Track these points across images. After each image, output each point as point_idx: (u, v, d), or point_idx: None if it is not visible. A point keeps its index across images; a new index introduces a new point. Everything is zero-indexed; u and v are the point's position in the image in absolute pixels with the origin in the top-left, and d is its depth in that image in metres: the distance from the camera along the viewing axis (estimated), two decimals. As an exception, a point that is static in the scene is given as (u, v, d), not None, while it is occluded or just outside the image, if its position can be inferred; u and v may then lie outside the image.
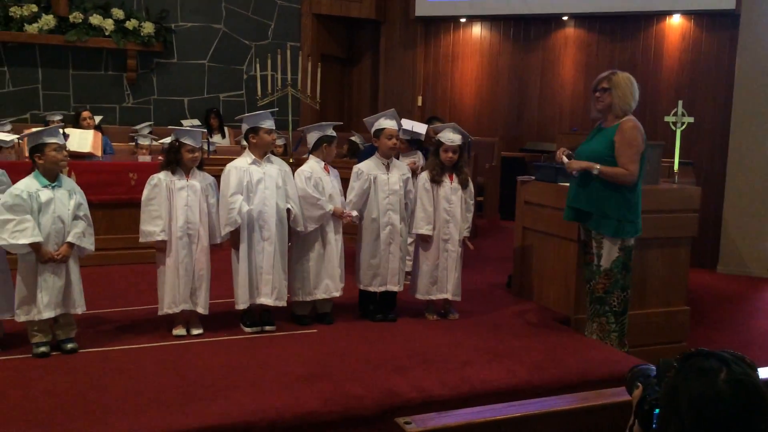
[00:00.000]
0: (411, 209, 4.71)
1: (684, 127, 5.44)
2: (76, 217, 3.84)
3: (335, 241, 4.57)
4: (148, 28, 9.04)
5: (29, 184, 3.76)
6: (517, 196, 5.41)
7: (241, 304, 4.31)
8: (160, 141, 7.52)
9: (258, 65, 7.44)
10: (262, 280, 4.31)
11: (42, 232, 3.72)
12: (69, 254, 3.80)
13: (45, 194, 3.74)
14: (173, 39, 9.43)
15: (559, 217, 4.60)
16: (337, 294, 4.60)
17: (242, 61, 9.86)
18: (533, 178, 5.30)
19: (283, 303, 4.39)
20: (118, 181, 6.10)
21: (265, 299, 4.33)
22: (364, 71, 10.87)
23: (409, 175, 4.73)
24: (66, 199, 3.81)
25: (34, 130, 4.26)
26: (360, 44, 10.90)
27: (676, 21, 8.50)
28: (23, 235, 3.66)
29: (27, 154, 6.00)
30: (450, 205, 4.69)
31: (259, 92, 7.32)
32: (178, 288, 4.15)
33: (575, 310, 4.71)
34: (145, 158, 7.01)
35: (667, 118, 5.47)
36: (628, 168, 3.99)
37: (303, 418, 3.19)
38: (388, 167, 4.65)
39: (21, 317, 3.78)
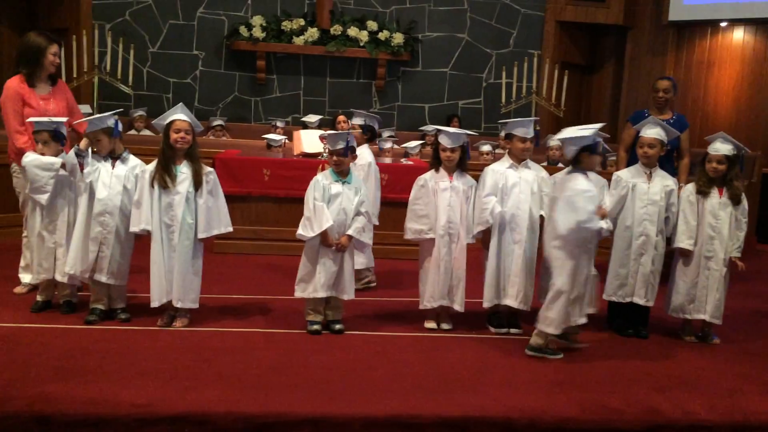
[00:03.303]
0: (672, 222, 4.47)
1: None
2: (358, 213, 4.21)
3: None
4: (398, 38, 9.59)
5: (326, 177, 4.22)
6: (794, 215, 4.87)
7: (487, 303, 4.42)
8: (402, 145, 7.95)
9: (504, 73, 7.54)
10: (509, 282, 4.38)
11: None
12: (347, 245, 4.19)
13: (336, 188, 4.17)
14: (419, 48, 9.90)
15: None
16: None
17: (482, 69, 10.05)
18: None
19: (526, 307, 4.39)
20: (372, 181, 6.53)
21: (510, 301, 4.38)
22: (605, 78, 10.50)
23: (674, 187, 4.49)
24: (352, 195, 4.20)
25: (329, 132, 4.74)
26: (603, 51, 10.55)
27: None
28: None
29: (296, 153, 6.74)
30: (717, 221, 4.37)
31: (504, 99, 7.44)
32: (438, 284, 4.36)
33: None
34: (387, 161, 7.41)
35: None
36: None
37: (561, 422, 3.20)
38: (650, 176, 4.46)
39: (298, 293, 4.25)
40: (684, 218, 4.42)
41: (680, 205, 4.45)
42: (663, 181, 4.47)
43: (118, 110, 4.46)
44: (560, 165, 6.25)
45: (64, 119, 4.48)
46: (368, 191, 4.82)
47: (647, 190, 4.44)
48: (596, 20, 9.88)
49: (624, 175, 4.51)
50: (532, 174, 4.41)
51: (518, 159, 4.42)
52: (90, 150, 4.16)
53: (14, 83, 4.68)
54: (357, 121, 5.23)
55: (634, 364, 3.97)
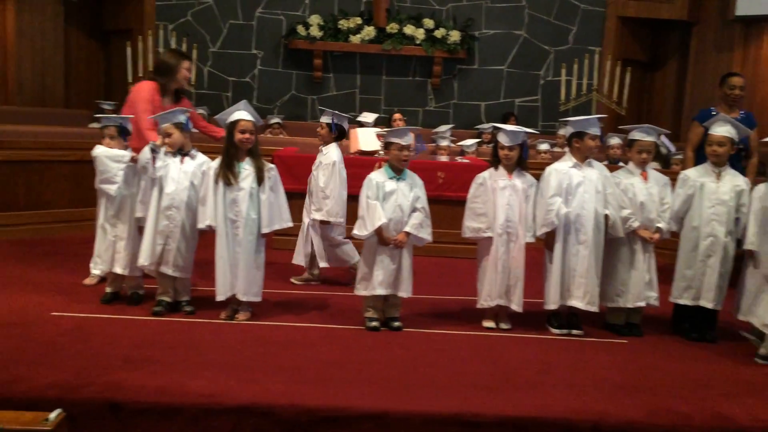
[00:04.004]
0: (743, 224, 4.32)
1: None
2: (414, 209, 4.21)
3: (643, 250, 4.41)
4: (455, 36, 9.53)
5: (380, 174, 4.24)
6: None
7: (551, 305, 4.36)
8: (459, 143, 7.89)
9: (564, 70, 7.40)
10: (574, 283, 4.31)
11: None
12: (405, 242, 4.19)
13: (390, 185, 4.18)
14: (476, 46, 9.82)
15: None
16: (642, 304, 4.43)
17: (539, 67, 9.89)
18: None
19: (594, 308, 4.32)
20: (428, 179, 6.42)
21: (577, 302, 4.31)
22: (668, 76, 10.19)
23: (745, 187, 4.34)
24: (407, 192, 4.21)
25: (394, 129, 4.76)
26: (665, 47, 10.24)
27: None
28: None
29: (352, 150, 6.78)
30: (790, 223, 4.21)
31: (563, 97, 7.31)
32: (495, 283, 4.32)
33: None
34: (443, 159, 7.37)
35: None
36: None
37: (627, 426, 3.13)
38: (719, 176, 4.33)
39: (360, 291, 4.28)
40: (755, 220, 4.26)
41: (751, 206, 4.30)
42: (733, 180, 4.33)
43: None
44: (620, 164, 6.10)
45: (129, 116, 4.74)
46: (333, 191, 4.93)
47: (716, 189, 4.31)
48: (660, 16, 9.60)
49: (691, 174, 4.39)
50: (596, 173, 4.33)
51: (582, 157, 4.35)
52: (164, 147, 4.31)
53: (149, 87, 5.04)
54: (325, 119, 5.20)
55: (702, 369, 3.86)
